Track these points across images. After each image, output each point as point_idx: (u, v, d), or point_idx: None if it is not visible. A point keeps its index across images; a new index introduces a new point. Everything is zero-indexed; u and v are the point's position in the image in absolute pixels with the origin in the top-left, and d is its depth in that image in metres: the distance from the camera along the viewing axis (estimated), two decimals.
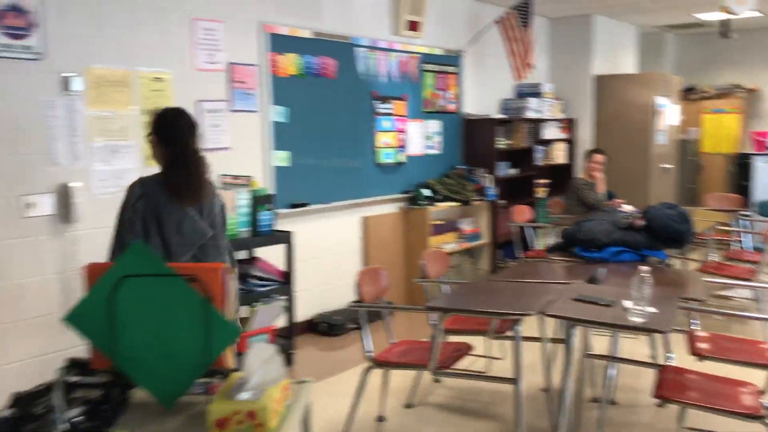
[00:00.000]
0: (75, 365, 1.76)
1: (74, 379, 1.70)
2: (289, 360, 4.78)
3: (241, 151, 5.00)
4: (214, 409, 1.55)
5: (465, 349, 3.61)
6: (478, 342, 3.99)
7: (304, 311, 5.46)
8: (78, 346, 3.78)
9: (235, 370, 1.80)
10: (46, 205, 3.91)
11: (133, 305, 1.67)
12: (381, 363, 3.51)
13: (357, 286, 3.58)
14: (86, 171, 4.05)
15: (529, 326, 4.07)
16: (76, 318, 1.68)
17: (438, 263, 4.26)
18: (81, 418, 1.57)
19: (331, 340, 5.46)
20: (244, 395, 1.59)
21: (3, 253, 3.76)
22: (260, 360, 1.66)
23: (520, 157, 7.68)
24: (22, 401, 1.59)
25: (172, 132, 2.94)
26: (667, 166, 8.62)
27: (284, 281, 4.76)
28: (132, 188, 2.90)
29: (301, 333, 5.40)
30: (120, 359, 1.67)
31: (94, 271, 1.70)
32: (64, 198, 3.98)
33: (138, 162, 4.33)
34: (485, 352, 4.47)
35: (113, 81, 4.20)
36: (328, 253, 5.76)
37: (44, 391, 1.69)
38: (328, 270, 5.76)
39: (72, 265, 4.04)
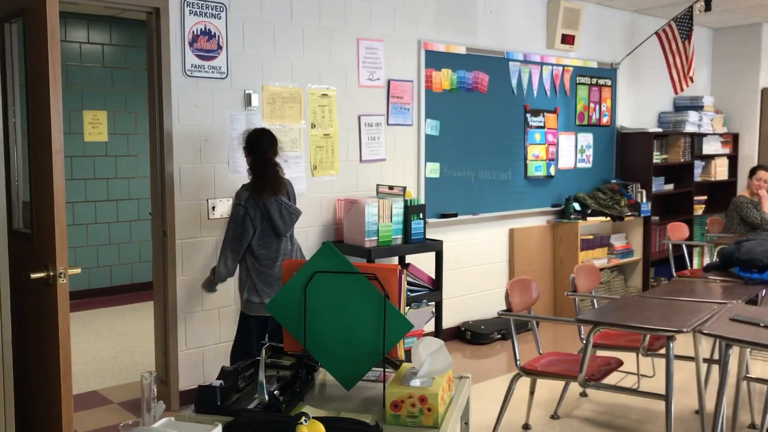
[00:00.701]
0: (272, 348, 2.03)
1: (270, 360, 1.98)
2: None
3: (395, 162, 5.27)
4: (391, 391, 1.75)
5: (615, 364, 3.62)
6: (627, 358, 3.97)
7: (450, 318, 5.63)
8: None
9: (404, 361, 2.00)
10: (227, 208, 4.35)
11: (321, 298, 1.91)
12: (529, 372, 3.60)
13: (507, 295, 3.70)
14: None
15: (682, 345, 4.00)
16: (275, 306, 1.95)
17: (589, 278, 4.28)
18: (277, 392, 1.83)
19: (477, 348, 5.58)
20: (415, 381, 1.78)
21: (191, 250, 4.23)
22: (429, 352, 1.85)
23: (675, 172, 7.43)
24: (229, 374, 1.88)
25: (255, 146, 3.76)
26: None
27: (434, 288, 4.95)
28: (240, 192, 3.71)
29: (447, 339, 5.57)
30: (309, 344, 1.92)
31: (289, 268, 1.97)
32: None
33: (306, 171, 4.70)
34: (635, 369, 4.42)
35: (286, 97, 4.60)
36: (474, 264, 5.89)
37: (246, 367, 1.97)
38: (474, 280, 5.90)
39: None
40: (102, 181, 7.27)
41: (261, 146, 3.74)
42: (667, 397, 3.15)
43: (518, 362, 3.63)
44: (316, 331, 1.91)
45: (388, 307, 1.86)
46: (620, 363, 3.66)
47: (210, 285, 3.95)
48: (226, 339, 4.42)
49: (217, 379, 1.86)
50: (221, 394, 1.80)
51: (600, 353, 3.98)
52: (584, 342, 3.86)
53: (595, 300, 4.39)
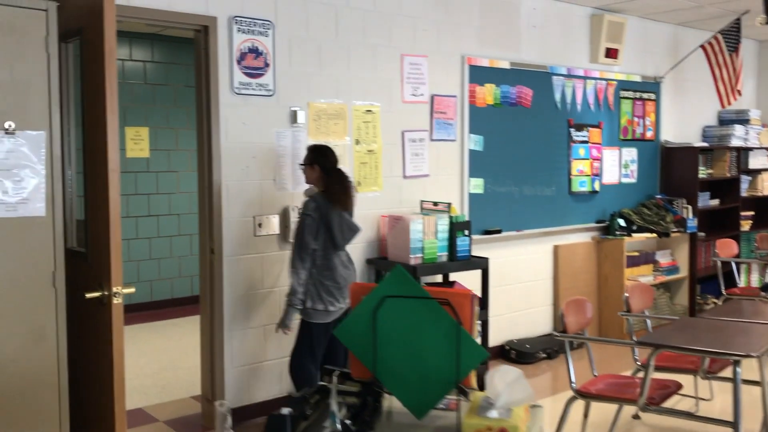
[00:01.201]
0: (338, 374, 1.98)
1: (339, 387, 1.92)
2: (481, 384, 4.86)
3: (439, 178, 5.21)
4: (469, 423, 1.68)
5: (674, 387, 3.50)
6: (683, 380, 3.84)
7: (494, 337, 5.54)
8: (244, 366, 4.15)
9: (476, 389, 1.93)
10: (273, 225, 4.33)
11: (392, 323, 1.85)
12: (584, 394, 3.50)
13: (562, 316, 3.61)
14: (303, 196, 4.44)
15: (745, 368, 3.86)
16: (344, 332, 1.90)
17: (642, 297, 4.17)
18: (348, 421, 1.77)
19: (522, 368, 5.45)
20: (493, 413, 1.72)
21: (237, 267, 4.21)
22: (505, 381, 1.78)
23: (721, 187, 7.25)
24: (297, 402, 1.83)
25: (328, 161, 3.91)
26: None
27: (480, 306, 4.87)
28: (308, 204, 3.80)
29: (491, 358, 5.47)
30: (378, 371, 1.86)
31: (357, 291, 1.92)
32: (285, 219, 4.39)
33: None
34: (692, 391, 4.27)
35: (331, 114, 4.58)
36: (518, 281, 5.79)
37: (312, 394, 1.92)
38: (518, 297, 5.80)
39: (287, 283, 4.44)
40: (143, 197, 7.32)
41: (331, 157, 3.91)
42: (735, 425, 3.03)
43: (573, 384, 3.53)
44: (386, 357, 1.86)
45: (461, 335, 1.80)
46: (679, 386, 3.54)
47: (288, 317, 3.84)
48: (272, 357, 4.39)
49: (285, 407, 1.81)
50: (291, 423, 1.75)
51: (655, 375, 3.85)
52: (641, 364, 3.75)
53: (648, 320, 4.27)
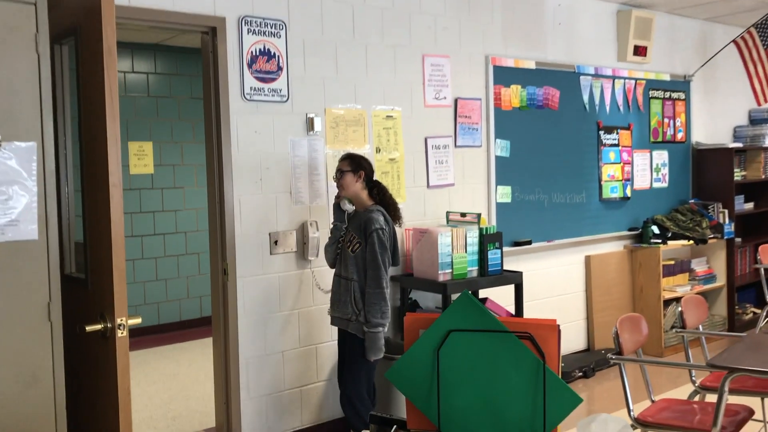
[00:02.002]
0: (390, 422, 1.62)
1: None
2: None
3: (464, 187, 4.86)
4: None
5: (747, 414, 3.13)
6: (749, 402, 3.46)
7: None
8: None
9: None
10: (290, 242, 3.99)
11: (457, 362, 1.50)
12: (646, 424, 3.12)
13: (616, 336, 3.24)
14: (323, 209, 4.09)
15: None
16: (397, 374, 1.54)
17: (697, 311, 3.80)
18: None
19: None
20: None
21: (252, 288, 3.86)
22: None
23: (756, 190, 6.88)
24: None
25: (372, 170, 3.68)
26: None
27: None
28: (376, 218, 3.50)
29: None
30: (444, 423, 1.50)
31: (413, 324, 1.56)
32: (303, 235, 4.04)
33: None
34: (760, 416, 3.89)
35: (349, 120, 4.24)
36: (550, 294, 5.43)
37: None
38: (550, 312, 5.43)
39: (307, 305, 4.09)
40: (148, 215, 6.99)
41: (371, 166, 3.68)
42: None
43: (632, 412, 3.16)
44: (452, 405, 1.50)
45: (547, 375, 1.44)
46: (751, 412, 3.17)
47: (380, 343, 3.46)
48: (291, 385, 4.03)
49: None
50: None
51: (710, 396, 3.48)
52: (700, 386, 3.38)
53: (703, 337, 3.90)
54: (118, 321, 2.44)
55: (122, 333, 2.45)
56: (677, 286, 5.97)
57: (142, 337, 6.85)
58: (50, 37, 2.46)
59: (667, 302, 5.86)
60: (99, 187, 2.46)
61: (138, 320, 2.56)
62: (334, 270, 3.71)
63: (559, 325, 1.52)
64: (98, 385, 2.57)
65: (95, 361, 2.57)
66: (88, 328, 2.44)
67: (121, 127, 6.61)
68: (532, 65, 5.19)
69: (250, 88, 3.83)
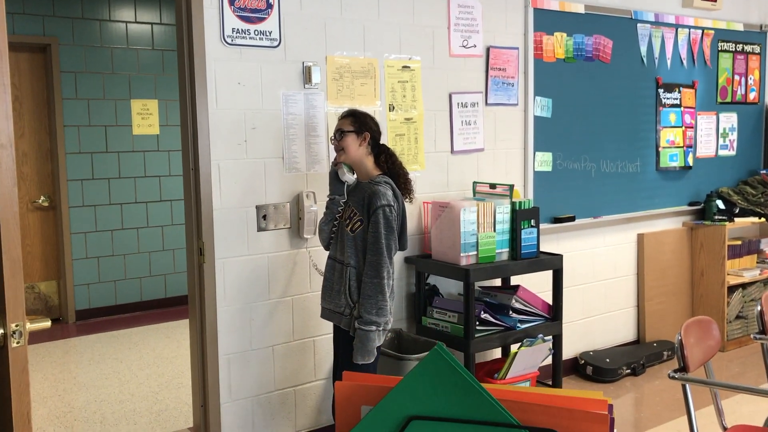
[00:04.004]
0: None
1: None
2: None
3: (496, 152, 4.13)
4: None
5: None
6: None
7: (565, 348, 4.45)
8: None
9: None
10: (282, 216, 3.33)
11: None
12: None
13: (680, 344, 2.52)
14: (323, 178, 3.41)
15: None
16: None
17: None
18: None
19: (601, 387, 4.38)
20: None
21: (235, 271, 3.23)
22: None
23: None
24: None
25: (379, 132, 3.00)
26: None
27: (551, 317, 3.80)
28: (384, 192, 2.84)
29: (562, 375, 4.39)
30: None
31: (349, 396, 0.88)
32: (298, 209, 3.38)
33: None
34: None
35: (357, 71, 3.53)
36: (595, 279, 4.69)
37: None
38: (594, 299, 4.70)
39: (303, 291, 3.45)
40: (154, 179, 6.42)
41: (378, 127, 3.01)
42: None
43: None
44: None
45: None
46: None
47: (372, 345, 2.77)
48: (283, 385, 3.42)
49: None
50: None
51: None
52: None
53: None
54: (12, 327, 1.83)
55: (18, 342, 1.84)
56: (744, 270, 5.16)
57: (147, 311, 6.36)
58: None
59: (732, 288, 5.07)
60: None
61: (46, 324, 1.95)
62: (329, 252, 3.05)
63: (611, 406, 0.82)
64: None
65: None
66: None
67: (122, 84, 6.02)
68: (580, 9, 4.38)
69: (232, 29, 3.15)
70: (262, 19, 3.22)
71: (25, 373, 1.87)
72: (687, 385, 2.48)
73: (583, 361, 4.54)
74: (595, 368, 4.47)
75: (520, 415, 0.82)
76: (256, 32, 3.21)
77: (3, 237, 1.81)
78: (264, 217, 3.30)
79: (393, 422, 0.86)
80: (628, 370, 4.54)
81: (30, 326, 1.89)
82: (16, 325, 1.83)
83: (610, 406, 0.85)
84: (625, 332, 4.90)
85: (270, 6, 3.24)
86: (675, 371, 2.49)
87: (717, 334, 2.72)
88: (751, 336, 3.18)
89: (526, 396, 0.85)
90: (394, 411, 0.87)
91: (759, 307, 2.98)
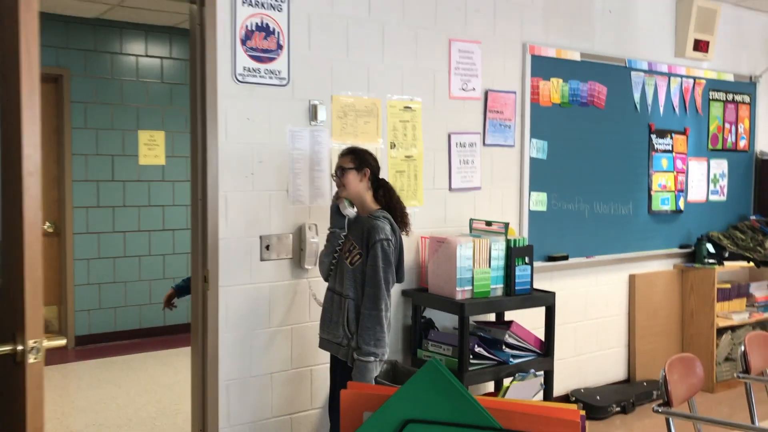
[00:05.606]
0: None
1: None
2: None
3: (493, 191, 4.27)
4: None
5: None
6: None
7: (556, 385, 4.53)
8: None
9: None
10: (285, 247, 3.46)
11: None
12: None
13: (664, 380, 2.62)
14: (325, 211, 3.54)
15: None
16: None
17: (765, 352, 3.14)
18: None
19: (591, 425, 4.46)
20: None
21: (238, 299, 3.34)
22: None
23: None
24: None
25: (378, 167, 3.13)
26: None
27: (543, 352, 3.89)
28: (382, 226, 2.95)
29: None
30: None
31: (353, 402, 1.00)
32: (300, 240, 3.51)
33: None
34: None
35: (360, 110, 3.69)
36: (587, 317, 4.79)
37: None
38: (586, 337, 4.80)
39: (302, 320, 3.55)
40: (157, 209, 6.55)
41: (377, 163, 3.15)
42: None
43: None
44: None
45: None
46: None
47: (371, 375, 2.87)
48: (280, 413, 3.50)
49: None
50: None
51: None
52: None
53: None
54: (31, 343, 1.93)
55: (35, 358, 1.94)
56: (733, 313, 5.27)
57: (146, 338, 6.43)
58: None
59: (721, 330, 5.17)
60: (13, 176, 1.96)
61: (62, 342, 2.05)
62: (328, 283, 3.17)
63: (583, 416, 0.94)
64: (6, 420, 2.07)
65: (5, 390, 2.08)
66: None
67: (131, 115, 6.19)
68: (576, 56, 4.57)
69: (244, 68, 3.31)
70: (272, 59, 3.39)
71: (40, 388, 1.96)
72: (671, 420, 2.58)
73: (574, 398, 4.62)
74: (586, 405, 4.55)
75: (502, 421, 0.94)
76: (267, 71, 3.37)
77: (27, 259, 1.92)
78: (267, 247, 3.42)
79: (391, 425, 0.97)
80: (618, 408, 4.62)
81: (46, 343, 1.99)
82: (35, 342, 1.93)
83: (583, 416, 0.97)
84: (616, 371, 4.98)
85: (280, 47, 3.41)
86: (659, 405, 2.59)
87: (701, 371, 2.82)
88: (735, 375, 3.28)
89: (508, 405, 0.97)
90: (392, 415, 0.99)
91: (743, 347, 3.09)
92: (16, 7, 1.87)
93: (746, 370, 3.04)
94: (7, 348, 1.95)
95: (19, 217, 1.91)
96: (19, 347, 1.94)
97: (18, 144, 1.90)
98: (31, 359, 1.93)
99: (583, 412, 0.99)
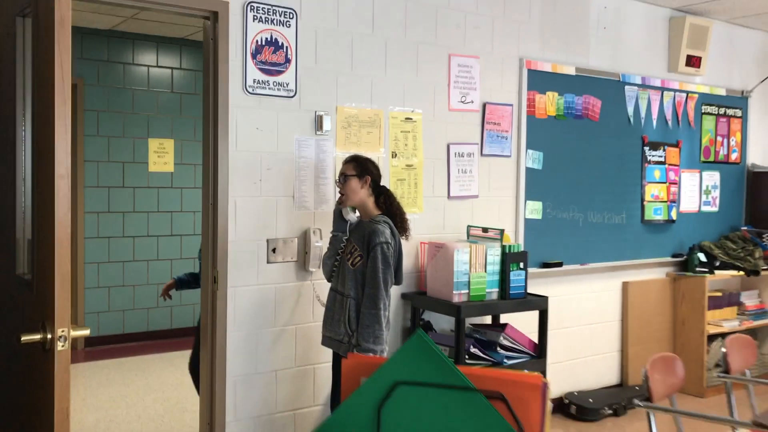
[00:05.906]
0: None
1: None
2: None
3: (490, 199, 4.45)
4: None
5: None
6: None
7: (551, 388, 4.69)
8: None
9: None
10: (290, 250, 3.64)
11: (404, 423, 1.11)
12: None
13: (645, 377, 2.80)
14: (328, 216, 3.73)
15: None
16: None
17: (743, 353, 3.32)
18: None
19: (583, 426, 4.62)
20: None
21: (245, 299, 3.52)
22: None
23: None
24: None
25: (379, 175, 3.33)
26: None
27: (536, 354, 4.06)
28: (382, 230, 3.14)
29: None
30: None
31: (353, 369, 1.18)
32: (305, 244, 3.69)
33: None
34: None
35: (363, 121, 3.88)
36: (580, 323, 4.96)
37: None
38: (580, 342, 4.96)
39: (306, 320, 3.73)
40: (166, 215, 6.75)
41: (378, 171, 3.34)
42: None
43: None
44: None
45: None
46: None
47: None
48: (284, 408, 3.67)
49: None
50: None
51: None
52: None
53: (751, 385, 3.41)
54: (59, 332, 2.11)
55: (62, 346, 2.13)
56: (724, 321, 5.43)
57: (153, 341, 6.61)
58: (12, 8, 2.18)
59: (712, 338, 5.33)
60: (46, 178, 2.15)
61: (86, 332, 2.24)
62: (330, 284, 3.35)
63: (546, 383, 1.12)
64: (35, 404, 2.25)
65: (35, 375, 2.26)
66: (24, 338, 2.13)
67: (142, 123, 6.41)
68: (571, 71, 4.76)
69: (254, 80, 3.51)
70: (280, 72, 3.58)
71: (67, 372, 2.15)
72: (651, 414, 2.75)
73: (567, 401, 4.78)
74: (579, 408, 4.71)
75: (476, 383, 1.12)
76: (275, 83, 3.57)
77: (57, 255, 2.12)
78: (273, 250, 3.61)
79: (383, 387, 1.15)
80: (610, 411, 4.77)
81: (73, 333, 2.17)
82: (62, 331, 2.12)
83: (545, 383, 1.15)
84: (609, 375, 5.14)
85: (288, 60, 3.60)
86: (641, 400, 2.76)
87: (681, 370, 2.99)
88: (715, 375, 3.44)
89: (481, 371, 1.15)
90: (384, 378, 1.17)
91: (724, 349, 3.26)
92: (51, 25, 2.07)
93: (726, 371, 3.21)
94: (37, 336, 2.14)
95: (51, 216, 2.10)
96: (49, 335, 2.12)
97: (51, 149, 2.09)
98: (59, 346, 2.12)
99: (546, 379, 1.16)
